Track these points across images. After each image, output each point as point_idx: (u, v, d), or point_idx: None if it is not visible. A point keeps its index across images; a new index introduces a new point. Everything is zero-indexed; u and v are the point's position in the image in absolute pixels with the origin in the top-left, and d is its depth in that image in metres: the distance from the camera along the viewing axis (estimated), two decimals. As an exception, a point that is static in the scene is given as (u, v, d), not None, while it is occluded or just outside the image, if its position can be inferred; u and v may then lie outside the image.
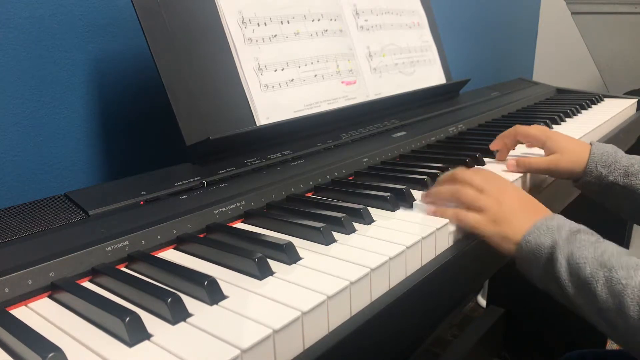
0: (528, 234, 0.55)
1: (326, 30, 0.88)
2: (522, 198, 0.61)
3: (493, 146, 0.81)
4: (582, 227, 0.55)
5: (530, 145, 0.82)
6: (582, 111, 1.23)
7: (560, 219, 0.56)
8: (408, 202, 0.63)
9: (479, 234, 0.58)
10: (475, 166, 0.79)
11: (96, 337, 0.39)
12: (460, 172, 0.64)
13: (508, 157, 0.82)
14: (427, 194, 0.64)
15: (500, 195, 0.60)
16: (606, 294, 0.48)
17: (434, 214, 0.60)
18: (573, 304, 0.53)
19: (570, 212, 0.77)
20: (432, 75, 1.12)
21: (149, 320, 0.40)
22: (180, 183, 0.61)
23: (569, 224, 0.55)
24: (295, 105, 0.80)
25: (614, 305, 0.48)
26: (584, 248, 0.52)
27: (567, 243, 0.52)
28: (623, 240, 1.41)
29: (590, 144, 0.75)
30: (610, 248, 0.52)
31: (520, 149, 0.86)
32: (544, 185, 0.81)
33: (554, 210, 0.60)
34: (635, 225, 1.54)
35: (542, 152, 0.79)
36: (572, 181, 0.77)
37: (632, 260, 0.50)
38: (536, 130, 0.78)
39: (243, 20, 0.76)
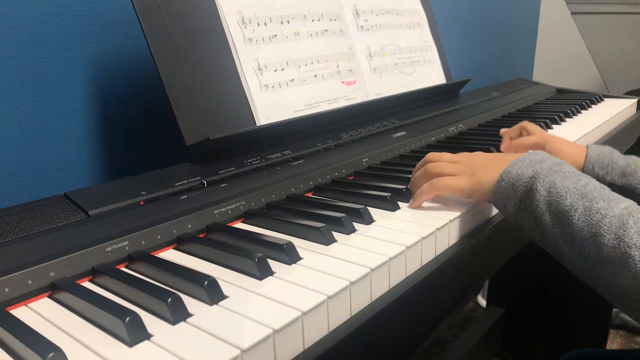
0: (510, 166, 0.56)
1: (326, 30, 0.88)
2: (495, 155, 0.63)
3: (503, 147, 0.84)
4: (565, 161, 0.56)
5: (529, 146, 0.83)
6: (582, 111, 1.23)
7: (544, 154, 0.57)
8: (408, 202, 0.64)
9: (457, 193, 0.60)
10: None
11: (96, 337, 0.39)
12: (431, 153, 0.66)
13: None
14: (410, 186, 0.66)
15: (471, 158, 0.62)
16: (583, 222, 0.49)
17: (413, 202, 0.62)
18: (546, 236, 0.53)
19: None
20: (432, 75, 1.12)
21: (149, 320, 0.40)
22: (180, 183, 0.61)
23: (552, 158, 0.56)
24: (295, 105, 0.80)
25: (590, 234, 0.48)
26: (567, 178, 0.52)
27: (550, 173, 0.53)
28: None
29: (587, 146, 0.75)
30: (592, 181, 0.52)
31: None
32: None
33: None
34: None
35: None
36: None
37: (613, 194, 0.50)
38: (535, 138, 0.79)
39: (243, 20, 0.76)
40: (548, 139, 0.78)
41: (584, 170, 0.74)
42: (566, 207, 0.50)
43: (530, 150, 0.58)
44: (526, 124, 0.82)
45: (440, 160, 0.64)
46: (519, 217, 0.55)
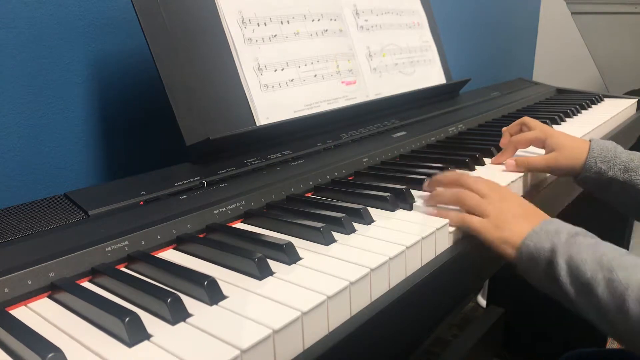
0: (527, 238, 0.56)
1: (326, 30, 0.88)
2: (522, 204, 0.62)
3: (502, 143, 0.83)
4: (580, 229, 0.56)
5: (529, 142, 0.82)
6: (582, 111, 1.23)
7: (558, 223, 0.57)
8: (408, 202, 0.63)
9: (481, 237, 0.59)
10: (475, 166, 0.79)
11: (96, 337, 0.39)
12: (463, 177, 0.65)
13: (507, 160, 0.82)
14: (430, 197, 0.64)
15: (501, 201, 0.61)
16: (607, 295, 0.49)
17: (436, 213, 0.60)
18: (574, 306, 0.53)
19: (570, 212, 0.77)
20: (432, 75, 1.12)
21: (149, 321, 0.40)
22: (180, 183, 0.61)
23: (567, 228, 0.56)
24: (295, 105, 0.80)
25: (615, 306, 0.48)
26: (583, 251, 0.52)
27: (567, 246, 0.53)
28: (623, 238, 1.41)
29: (590, 140, 0.75)
30: (609, 249, 0.52)
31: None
32: (543, 185, 0.81)
33: (554, 210, 0.60)
34: (635, 223, 1.54)
35: (541, 151, 0.79)
36: (573, 177, 0.77)
37: (630, 260, 0.50)
38: (536, 133, 0.78)
39: (243, 20, 0.76)
40: (549, 133, 0.77)
41: (585, 164, 0.73)
42: (587, 280, 0.50)
43: (545, 220, 0.57)
44: (526, 119, 0.81)
45: (474, 188, 0.62)
46: (546, 287, 0.55)
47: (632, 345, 0.49)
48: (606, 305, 0.49)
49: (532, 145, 0.80)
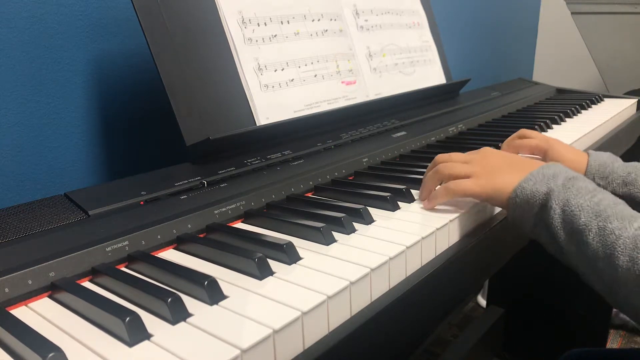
0: (524, 181, 0.55)
1: (326, 30, 0.88)
2: (507, 157, 0.62)
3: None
4: (579, 174, 0.55)
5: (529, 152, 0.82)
6: (582, 111, 1.23)
7: (557, 167, 0.56)
8: (408, 202, 0.64)
9: (473, 195, 0.59)
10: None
11: (96, 337, 0.39)
12: (440, 155, 0.65)
13: None
14: (420, 190, 0.65)
15: (485, 159, 0.61)
16: (597, 242, 0.48)
17: (428, 203, 0.61)
18: (562, 253, 0.53)
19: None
20: (432, 75, 1.12)
21: (149, 320, 0.40)
22: (180, 183, 0.61)
23: (565, 172, 0.55)
24: (295, 105, 0.80)
25: (604, 255, 0.47)
26: (580, 196, 0.51)
27: (563, 190, 0.52)
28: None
29: (588, 154, 0.75)
30: (607, 197, 0.52)
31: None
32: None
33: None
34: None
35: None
36: None
37: (628, 211, 0.50)
38: (538, 141, 0.78)
39: (243, 20, 0.76)
40: (551, 144, 0.76)
41: None
42: (580, 227, 0.50)
43: (544, 165, 0.57)
44: (525, 131, 0.80)
45: (450, 160, 0.63)
46: (536, 233, 0.55)
47: (615, 297, 0.48)
48: (595, 253, 0.48)
49: (533, 153, 0.79)
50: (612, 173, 0.71)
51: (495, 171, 0.59)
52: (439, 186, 0.61)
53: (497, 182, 0.58)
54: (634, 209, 0.70)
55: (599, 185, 0.71)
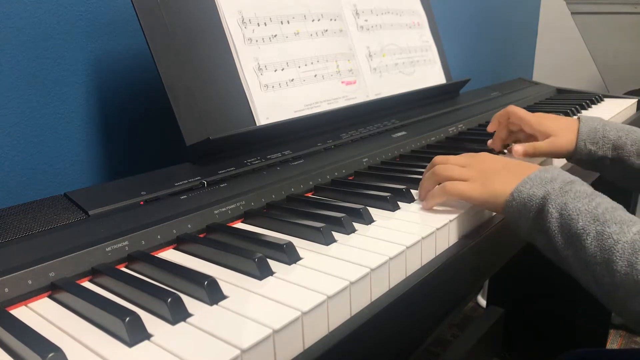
0: (521, 184, 0.55)
1: (326, 30, 0.88)
2: (504, 161, 0.62)
3: (490, 128, 0.84)
4: (577, 178, 0.55)
5: (518, 129, 0.82)
6: (582, 111, 1.23)
7: (555, 170, 0.56)
8: (408, 202, 0.64)
9: (469, 199, 0.59)
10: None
11: (96, 337, 0.39)
12: (438, 156, 0.65)
13: (513, 145, 0.82)
14: (419, 190, 0.65)
15: (481, 164, 0.61)
16: (595, 247, 0.48)
17: (425, 203, 0.61)
18: (559, 257, 0.52)
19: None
20: (432, 75, 1.12)
21: (149, 320, 0.40)
22: (180, 183, 0.61)
23: (563, 175, 0.55)
24: (295, 105, 0.80)
25: (602, 260, 0.47)
26: (578, 200, 0.51)
27: (561, 194, 0.52)
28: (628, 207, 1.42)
29: (579, 119, 0.76)
30: (605, 202, 0.51)
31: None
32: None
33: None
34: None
35: None
36: (567, 159, 0.80)
37: (626, 216, 0.49)
38: (526, 113, 0.79)
39: (243, 20, 0.76)
40: (540, 121, 0.77)
41: (576, 147, 0.75)
42: (578, 231, 0.49)
43: (541, 168, 0.57)
44: (511, 109, 0.80)
45: (448, 163, 0.63)
46: (532, 237, 0.55)
47: (612, 302, 0.48)
48: (593, 258, 0.48)
49: (523, 123, 0.79)
50: (603, 137, 0.73)
51: (492, 175, 0.59)
52: (436, 186, 0.61)
53: (494, 186, 0.58)
54: (626, 169, 0.72)
55: (590, 150, 0.73)
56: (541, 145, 0.76)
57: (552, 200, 0.52)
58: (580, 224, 0.49)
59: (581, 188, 0.53)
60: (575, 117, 0.78)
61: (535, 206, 0.53)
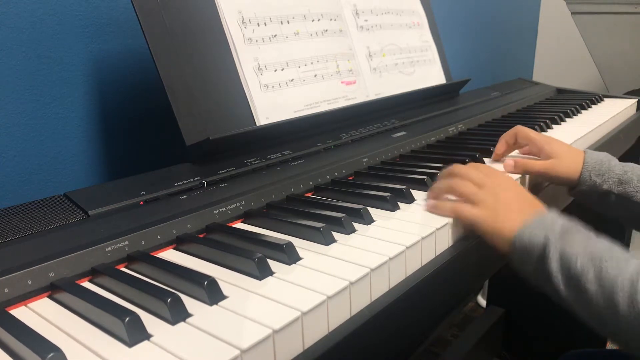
0: (521, 231, 0.55)
1: (326, 30, 0.88)
2: (519, 192, 0.62)
3: (498, 149, 0.81)
4: (574, 224, 0.56)
5: (526, 151, 0.82)
6: (582, 111, 1.23)
7: (553, 215, 0.57)
8: (408, 202, 0.64)
9: (475, 227, 0.59)
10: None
11: (96, 337, 0.39)
12: (459, 167, 0.65)
13: (506, 157, 0.82)
14: (429, 192, 0.64)
15: (497, 189, 0.61)
16: (596, 287, 0.48)
17: (433, 207, 0.61)
18: (566, 302, 0.53)
19: (570, 212, 0.77)
20: (432, 75, 1.12)
21: (149, 320, 0.40)
22: (180, 183, 0.61)
23: (562, 221, 0.55)
24: (295, 105, 0.80)
25: (604, 299, 0.48)
26: (576, 244, 0.52)
27: (560, 240, 0.53)
28: (622, 242, 1.41)
29: (584, 152, 0.75)
30: (602, 243, 0.52)
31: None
32: (544, 184, 0.81)
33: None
34: (634, 232, 1.54)
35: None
36: (568, 190, 0.77)
37: (623, 254, 0.50)
38: (535, 134, 0.78)
39: (243, 20, 0.76)
40: (547, 141, 0.76)
41: (580, 177, 0.73)
42: (577, 272, 0.50)
43: (540, 213, 0.57)
44: (519, 129, 0.79)
45: (467, 177, 0.62)
46: (538, 281, 0.55)
47: (620, 339, 0.49)
48: (595, 297, 0.49)
49: (530, 144, 0.78)
50: (609, 171, 0.71)
51: (502, 209, 0.58)
52: (448, 199, 0.61)
53: (499, 225, 0.57)
54: (631, 208, 0.71)
55: (594, 183, 0.72)
56: (534, 163, 0.75)
57: (552, 246, 0.53)
58: (579, 265, 0.50)
59: (579, 234, 0.54)
60: (582, 149, 0.76)
61: (537, 252, 0.54)
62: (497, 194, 0.60)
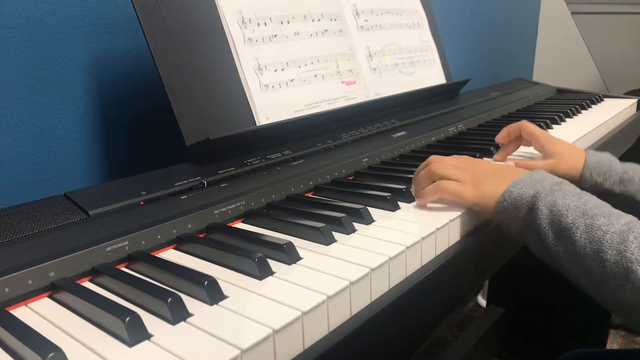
0: (511, 185, 0.57)
1: (326, 30, 0.88)
2: (497, 166, 0.64)
3: (499, 138, 0.83)
4: (565, 180, 0.57)
5: (528, 144, 0.82)
6: (582, 111, 1.23)
7: (544, 173, 0.58)
8: (408, 202, 0.64)
9: (460, 199, 0.60)
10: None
11: (96, 337, 0.39)
12: (435, 156, 0.66)
13: (508, 158, 0.82)
14: (412, 184, 0.66)
15: (475, 167, 0.63)
16: (585, 239, 0.49)
17: (420, 200, 0.62)
18: (550, 254, 0.53)
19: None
20: (432, 75, 1.12)
21: (149, 320, 0.40)
22: (180, 183, 0.61)
23: (552, 177, 0.57)
24: (295, 105, 0.80)
25: (592, 251, 0.48)
26: (567, 197, 0.53)
27: (551, 192, 0.54)
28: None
29: (585, 151, 0.75)
30: (593, 199, 0.53)
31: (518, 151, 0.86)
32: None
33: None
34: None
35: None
36: None
37: (614, 211, 0.51)
38: (539, 131, 0.79)
39: (243, 20, 0.76)
40: (549, 139, 0.77)
41: (582, 176, 0.74)
42: (568, 225, 0.51)
43: (530, 171, 0.59)
44: (525, 124, 0.80)
45: (443, 162, 0.64)
46: (523, 237, 0.56)
47: (603, 294, 0.49)
48: (582, 249, 0.49)
49: (532, 140, 0.79)
50: (610, 170, 0.72)
51: (484, 178, 0.60)
52: (430, 185, 0.61)
53: (485, 188, 0.59)
54: (630, 207, 0.71)
55: (596, 182, 0.72)
56: (535, 164, 0.75)
57: (542, 197, 0.54)
58: (570, 218, 0.51)
59: (570, 187, 0.55)
60: (583, 149, 0.77)
61: (526, 205, 0.55)
62: (477, 170, 0.62)
